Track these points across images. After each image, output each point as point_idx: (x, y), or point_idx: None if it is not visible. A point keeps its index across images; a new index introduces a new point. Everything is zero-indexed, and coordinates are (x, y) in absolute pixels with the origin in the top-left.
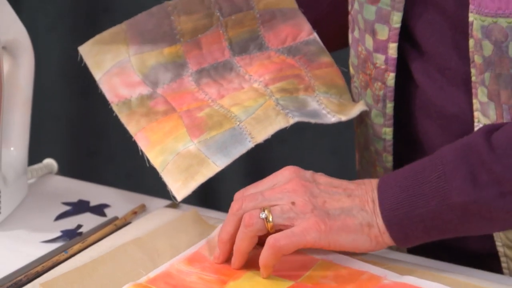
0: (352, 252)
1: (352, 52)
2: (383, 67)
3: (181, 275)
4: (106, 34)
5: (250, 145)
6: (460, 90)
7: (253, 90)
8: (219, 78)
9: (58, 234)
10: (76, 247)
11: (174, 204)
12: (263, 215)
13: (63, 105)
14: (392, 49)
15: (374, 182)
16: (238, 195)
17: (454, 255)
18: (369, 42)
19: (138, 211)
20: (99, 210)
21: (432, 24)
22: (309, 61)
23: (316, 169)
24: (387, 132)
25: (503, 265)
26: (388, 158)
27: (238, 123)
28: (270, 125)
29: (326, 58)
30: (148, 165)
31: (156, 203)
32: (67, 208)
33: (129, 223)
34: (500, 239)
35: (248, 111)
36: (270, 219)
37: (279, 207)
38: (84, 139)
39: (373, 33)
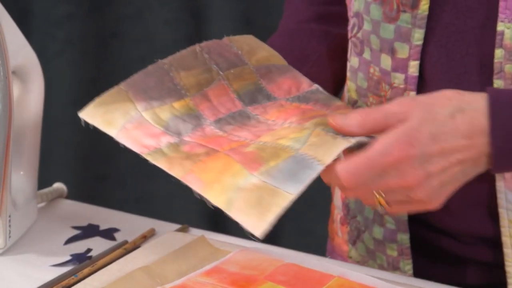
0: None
1: (359, 75)
2: (402, 86)
3: (196, 286)
4: (105, 96)
5: (320, 167)
6: None
7: (290, 128)
8: (242, 125)
9: (68, 258)
10: (85, 271)
11: (183, 228)
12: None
13: (72, 129)
14: (413, 67)
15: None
16: (350, 181)
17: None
18: (386, 61)
19: (148, 235)
20: (109, 234)
21: (447, 48)
22: (325, 105)
23: (324, 192)
24: None
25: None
26: None
27: (295, 151)
28: (333, 146)
29: (339, 102)
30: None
31: (165, 227)
32: (77, 232)
33: (138, 247)
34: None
35: (299, 140)
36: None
37: (395, 200)
38: (93, 163)
39: (392, 52)
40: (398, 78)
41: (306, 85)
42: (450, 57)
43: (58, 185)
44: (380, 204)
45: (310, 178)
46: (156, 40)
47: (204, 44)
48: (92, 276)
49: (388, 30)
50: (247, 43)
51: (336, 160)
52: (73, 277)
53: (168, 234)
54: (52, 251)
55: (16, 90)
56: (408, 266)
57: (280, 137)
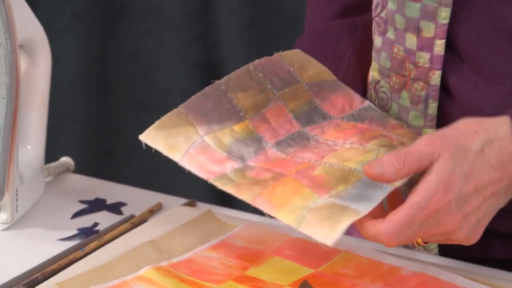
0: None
1: (382, 55)
2: (427, 65)
3: (203, 260)
4: (165, 119)
5: (390, 188)
6: (497, 90)
7: (353, 149)
8: (302, 146)
9: (75, 232)
10: (92, 245)
11: (190, 202)
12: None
13: (80, 104)
14: (439, 46)
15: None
16: (391, 241)
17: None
18: (411, 40)
19: (155, 210)
20: (116, 208)
21: (476, 23)
22: (381, 124)
23: None
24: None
25: None
26: None
27: (363, 175)
28: None
29: (393, 121)
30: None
31: (172, 202)
32: (84, 206)
33: (145, 221)
34: None
35: (365, 162)
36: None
37: (433, 240)
38: (101, 137)
39: (417, 31)
40: (423, 57)
41: (358, 102)
42: (479, 33)
43: (65, 159)
44: (417, 243)
45: (380, 198)
46: (163, 14)
47: (257, 62)
48: (99, 250)
49: (414, 9)
50: (297, 59)
51: (376, 219)
52: (80, 251)
53: (175, 208)
54: (59, 225)
55: (23, 64)
56: (433, 244)
57: (345, 159)
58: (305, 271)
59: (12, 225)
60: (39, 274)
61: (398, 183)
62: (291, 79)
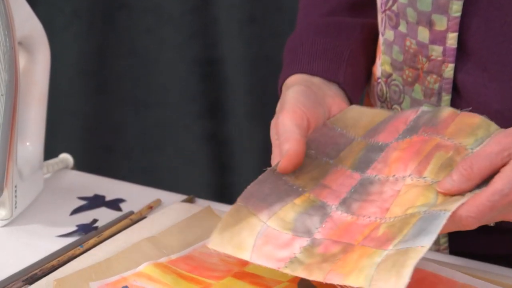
0: None
1: (395, 48)
2: (440, 58)
3: (202, 257)
4: (226, 218)
5: (447, 214)
6: (505, 86)
7: (413, 188)
8: (367, 197)
9: (74, 228)
10: (91, 242)
11: (189, 198)
12: None
13: (79, 100)
14: (452, 39)
15: None
16: (473, 224)
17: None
18: (423, 34)
19: (154, 206)
20: (115, 204)
21: (485, 18)
22: (434, 126)
23: None
24: None
25: None
26: None
27: (422, 213)
28: (462, 198)
29: (445, 112)
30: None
31: (171, 198)
32: (83, 202)
33: (144, 217)
34: None
35: (426, 205)
36: None
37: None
38: (100, 134)
39: (430, 24)
40: (436, 51)
41: (412, 113)
42: (489, 27)
43: (64, 156)
44: None
45: (439, 227)
46: (162, 11)
47: (311, 135)
48: (98, 246)
49: (426, 3)
50: (350, 117)
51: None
52: (79, 247)
53: (174, 204)
54: (58, 222)
55: (22, 61)
56: (444, 238)
57: (408, 207)
58: None
59: (11, 222)
60: (38, 270)
61: (455, 206)
62: (346, 141)
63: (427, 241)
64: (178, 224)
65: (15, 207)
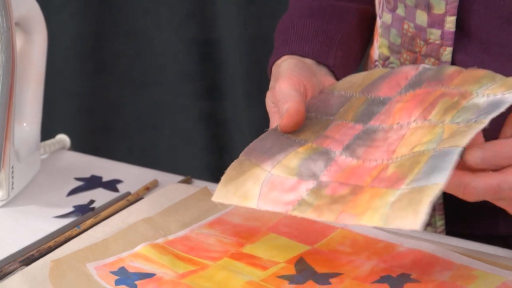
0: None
1: (392, 31)
2: (438, 42)
3: (199, 238)
4: (229, 171)
5: (459, 150)
6: (504, 67)
7: (418, 129)
8: (371, 143)
9: (71, 209)
10: (88, 222)
11: (186, 179)
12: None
13: (76, 81)
14: (450, 22)
15: None
16: (477, 163)
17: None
18: (422, 17)
19: (151, 187)
20: (112, 185)
21: (484, 0)
22: (438, 80)
23: None
24: None
25: None
26: None
27: (432, 151)
28: (468, 131)
29: (450, 70)
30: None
31: (168, 179)
32: (80, 183)
33: (141, 198)
34: None
35: (433, 141)
36: None
37: None
38: (97, 115)
39: (428, 8)
40: (434, 34)
41: (413, 70)
42: (488, 9)
43: (61, 137)
44: None
45: (452, 163)
46: None
47: (309, 101)
48: (95, 227)
49: None
50: (346, 81)
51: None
52: (75, 228)
53: (171, 185)
54: (55, 203)
55: (19, 41)
56: (440, 221)
57: (414, 145)
58: (301, 248)
59: (8, 202)
60: (35, 251)
61: (465, 141)
62: (344, 100)
63: (441, 178)
64: (175, 205)
65: (12, 188)
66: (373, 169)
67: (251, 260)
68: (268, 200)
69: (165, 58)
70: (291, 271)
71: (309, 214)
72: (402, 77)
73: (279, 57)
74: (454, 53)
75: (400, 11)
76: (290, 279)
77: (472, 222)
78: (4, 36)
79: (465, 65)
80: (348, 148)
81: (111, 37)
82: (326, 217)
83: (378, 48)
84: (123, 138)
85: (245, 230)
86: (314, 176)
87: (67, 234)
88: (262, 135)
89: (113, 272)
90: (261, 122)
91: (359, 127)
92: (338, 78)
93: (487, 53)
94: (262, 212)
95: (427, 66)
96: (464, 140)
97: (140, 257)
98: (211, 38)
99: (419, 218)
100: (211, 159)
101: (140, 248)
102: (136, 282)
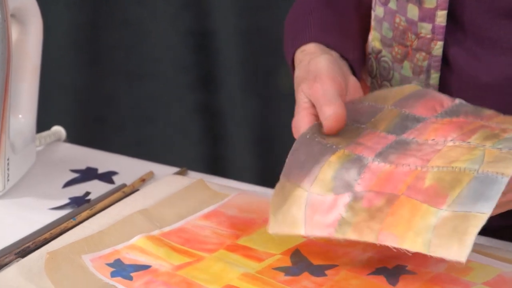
0: None
1: (384, 25)
2: (429, 36)
3: (194, 229)
4: (274, 198)
5: (505, 180)
6: (497, 60)
7: (457, 148)
8: (404, 151)
9: (66, 201)
10: (84, 214)
11: (182, 171)
12: None
13: (72, 72)
14: (441, 17)
15: None
16: None
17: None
18: (413, 11)
19: (146, 178)
20: (107, 177)
21: None
22: (477, 116)
23: None
24: None
25: None
26: None
27: (475, 172)
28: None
29: (488, 111)
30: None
31: (164, 170)
32: (75, 175)
33: (137, 190)
34: None
35: (474, 161)
36: None
37: None
38: (92, 106)
39: (419, 2)
40: (425, 28)
41: (449, 101)
42: (480, 2)
43: (56, 128)
44: None
45: (498, 193)
46: None
47: None
48: (91, 219)
49: None
50: (376, 94)
51: None
52: (71, 220)
53: (166, 177)
54: (51, 194)
55: (14, 33)
56: None
57: (452, 160)
58: (296, 240)
59: (4, 194)
60: (30, 243)
61: (511, 172)
62: (376, 110)
63: (487, 208)
64: (170, 197)
65: (8, 180)
66: (406, 174)
67: (247, 252)
68: (313, 225)
69: (160, 49)
70: (287, 262)
71: (350, 235)
72: (437, 103)
73: (304, 43)
74: (446, 46)
75: (392, 4)
76: (286, 270)
77: None
78: None
79: (458, 59)
80: (381, 155)
81: (107, 28)
82: (367, 238)
83: (371, 41)
84: (118, 130)
85: (241, 222)
86: (348, 186)
87: (62, 226)
88: (294, 145)
89: (108, 264)
90: (256, 113)
91: (391, 138)
92: (356, 73)
93: (480, 46)
94: (258, 204)
95: (463, 101)
96: (511, 169)
97: (135, 249)
98: (207, 30)
99: (465, 250)
100: (206, 150)
101: (136, 240)
102: (131, 274)
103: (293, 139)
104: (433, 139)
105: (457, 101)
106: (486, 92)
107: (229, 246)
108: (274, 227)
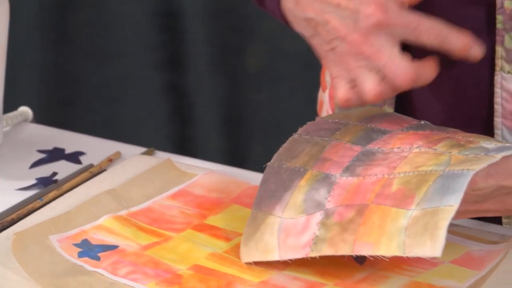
0: None
1: None
2: None
3: (162, 209)
4: (246, 230)
5: (471, 173)
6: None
7: (423, 154)
8: (370, 162)
9: (33, 181)
10: (51, 195)
11: (149, 151)
12: None
13: (39, 52)
14: None
15: None
16: None
17: None
18: None
19: (114, 159)
20: (75, 157)
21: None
22: (443, 131)
23: (292, 118)
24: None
25: (505, 221)
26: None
27: (441, 171)
28: (480, 160)
29: (454, 129)
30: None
31: (131, 151)
32: (42, 155)
33: (104, 170)
34: None
35: (441, 164)
36: None
37: None
38: (60, 87)
39: None
40: None
41: (414, 120)
42: None
43: (23, 109)
44: None
45: (464, 184)
46: None
47: (299, 130)
48: (58, 199)
49: None
50: (341, 113)
51: None
52: (38, 200)
53: (134, 157)
54: (18, 175)
55: None
56: None
57: (418, 165)
58: None
59: None
60: None
61: (478, 167)
62: (339, 125)
63: (454, 200)
64: (138, 177)
65: None
66: (374, 184)
67: (214, 232)
68: (288, 248)
69: (128, 30)
70: None
71: (326, 251)
72: (402, 121)
73: None
74: None
75: None
76: None
77: None
78: None
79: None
80: (348, 170)
81: (74, 8)
82: (343, 250)
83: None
84: (86, 110)
85: (208, 202)
86: (319, 206)
87: (30, 207)
88: (263, 176)
89: (76, 245)
90: (224, 93)
91: (357, 149)
92: None
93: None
94: (225, 183)
95: (429, 123)
96: (478, 166)
97: (103, 229)
98: (174, 10)
99: (438, 244)
100: (174, 130)
101: (103, 220)
102: (99, 254)
103: (260, 118)
104: (399, 147)
105: (423, 122)
106: (444, 75)
107: (197, 225)
108: (245, 256)
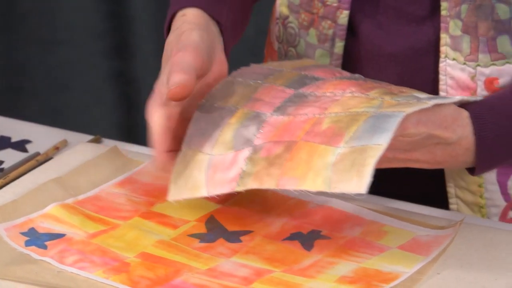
0: None
1: None
2: (335, 4)
3: (109, 197)
4: (176, 168)
5: (401, 114)
6: (400, 30)
7: (355, 97)
8: (302, 103)
9: None
10: None
11: (96, 138)
12: None
13: None
14: None
15: None
16: None
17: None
18: None
19: (60, 147)
20: (21, 145)
21: None
22: (376, 82)
23: None
24: None
25: (452, 206)
26: None
27: (373, 113)
28: (412, 104)
29: (387, 83)
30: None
31: (78, 138)
32: None
33: (51, 158)
34: (452, 180)
35: (372, 107)
36: None
37: None
38: (5, 74)
39: None
40: None
41: (348, 73)
42: None
43: None
44: None
45: (395, 124)
46: None
47: (233, 73)
48: (4, 188)
49: None
50: (277, 63)
51: None
52: None
53: (80, 145)
54: None
55: None
56: None
57: (350, 107)
58: (211, 206)
59: None
60: None
61: (410, 110)
62: (273, 71)
63: (384, 139)
64: (84, 165)
65: None
66: (304, 122)
67: (162, 219)
68: (215, 183)
69: (73, 16)
70: (202, 229)
71: (251, 185)
72: (337, 72)
73: (185, 7)
74: (352, 16)
75: None
76: (201, 237)
77: (388, 180)
78: None
79: (363, 28)
80: (279, 109)
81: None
82: (267, 184)
83: (279, 7)
84: (32, 98)
85: (155, 189)
86: (248, 142)
87: None
88: (194, 115)
89: (23, 233)
90: None
91: (289, 91)
92: (225, 40)
93: (385, 16)
94: None
95: (362, 76)
96: (409, 109)
97: (50, 217)
98: None
99: (364, 181)
100: (121, 118)
101: (50, 208)
102: (46, 243)
103: None
104: (332, 92)
105: (357, 75)
106: (390, 61)
107: (144, 213)
108: (174, 194)
